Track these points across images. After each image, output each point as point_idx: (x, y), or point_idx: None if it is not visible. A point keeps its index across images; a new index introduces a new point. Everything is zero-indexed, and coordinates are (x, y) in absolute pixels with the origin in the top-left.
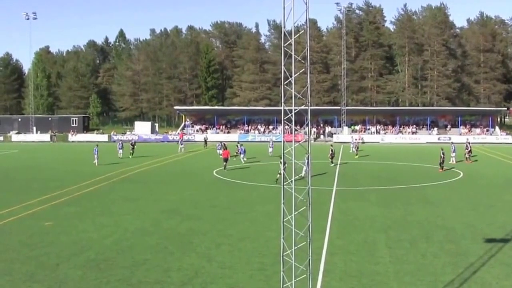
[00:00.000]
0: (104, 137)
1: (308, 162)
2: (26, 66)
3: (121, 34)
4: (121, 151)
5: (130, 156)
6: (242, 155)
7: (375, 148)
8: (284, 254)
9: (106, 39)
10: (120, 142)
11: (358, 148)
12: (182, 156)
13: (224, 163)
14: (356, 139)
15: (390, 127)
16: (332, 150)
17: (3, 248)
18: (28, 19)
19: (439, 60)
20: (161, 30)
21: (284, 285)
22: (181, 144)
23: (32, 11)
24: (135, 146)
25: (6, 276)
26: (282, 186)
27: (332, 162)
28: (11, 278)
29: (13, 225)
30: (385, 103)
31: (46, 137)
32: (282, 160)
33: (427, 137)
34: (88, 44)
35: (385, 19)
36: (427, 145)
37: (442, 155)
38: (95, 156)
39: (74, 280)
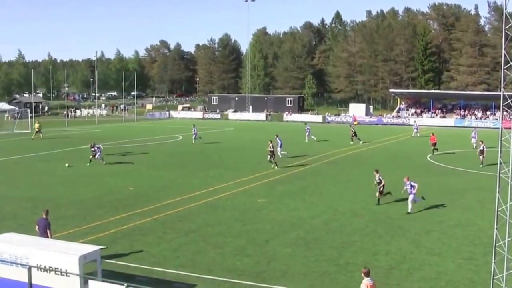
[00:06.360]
0: (318, 118)
1: None
2: (244, 46)
3: (337, 16)
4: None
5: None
6: (279, 149)
7: None
8: (496, 244)
9: (322, 20)
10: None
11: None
12: (394, 140)
13: (432, 147)
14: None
15: None
16: None
17: (217, 222)
18: (246, 1)
19: None
20: (377, 12)
21: (494, 277)
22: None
23: None
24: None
25: (218, 249)
26: (498, 174)
27: None
28: (223, 251)
29: (227, 200)
30: None
31: (261, 116)
32: None
33: None
34: (305, 25)
35: None
36: None
37: None
38: (193, 136)
39: (282, 256)
